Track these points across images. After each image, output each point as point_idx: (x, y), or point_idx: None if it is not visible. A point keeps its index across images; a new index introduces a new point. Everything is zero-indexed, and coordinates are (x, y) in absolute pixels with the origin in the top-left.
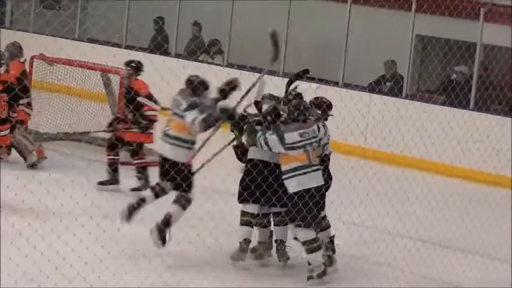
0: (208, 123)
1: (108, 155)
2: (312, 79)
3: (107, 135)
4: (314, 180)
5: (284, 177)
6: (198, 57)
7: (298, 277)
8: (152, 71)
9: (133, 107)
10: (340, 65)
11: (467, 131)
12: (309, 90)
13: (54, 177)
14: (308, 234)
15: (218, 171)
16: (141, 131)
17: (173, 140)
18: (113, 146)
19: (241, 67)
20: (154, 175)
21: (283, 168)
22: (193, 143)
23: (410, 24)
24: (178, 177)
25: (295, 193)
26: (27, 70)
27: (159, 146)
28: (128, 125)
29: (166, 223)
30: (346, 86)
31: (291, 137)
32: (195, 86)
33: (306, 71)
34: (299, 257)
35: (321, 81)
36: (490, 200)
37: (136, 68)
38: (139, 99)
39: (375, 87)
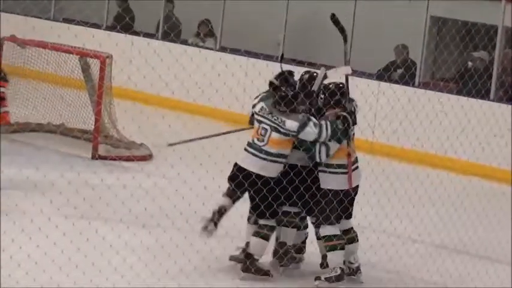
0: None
1: None
2: (313, 65)
3: (85, 126)
4: (355, 180)
5: (330, 170)
6: (185, 40)
7: (297, 282)
8: (136, 54)
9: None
10: (348, 55)
11: (486, 123)
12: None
13: (25, 173)
14: (328, 229)
15: (209, 167)
16: None
17: (271, 157)
18: None
19: (235, 51)
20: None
21: (331, 161)
22: (286, 156)
23: (424, 5)
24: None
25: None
26: None
27: (244, 158)
28: None
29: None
30: (352, 72)
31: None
32: (291, 101)
33: (281, 56)
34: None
35: (324, 67)
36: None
37: None
38: None
39: (383, 75)
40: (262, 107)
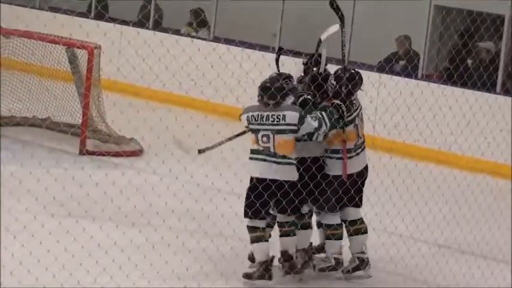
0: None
1: None
2: (311, 55)
3: (72, 120)
4: (358, 164)
5: (334, 156)
6: (177, 30)
7: (295, 282)
8: (125, 45)
9: None
10: (345, 40)
11: (492, 117)
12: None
13: (9, 169)
14: (329, 218)
15: (202, 163)
16: None
17: (284, 159)
18: None
19: (229, 41)
20: None
21: (332, 147)
22: (294, 161)
23: None
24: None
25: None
26: None
27: (257, 167)
28: None
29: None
30: (352, 64)
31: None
32: (278, 94)
33: (280, 49)
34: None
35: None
36: None
37: None
38: None
39: (385, 66)
40: (248, 116)
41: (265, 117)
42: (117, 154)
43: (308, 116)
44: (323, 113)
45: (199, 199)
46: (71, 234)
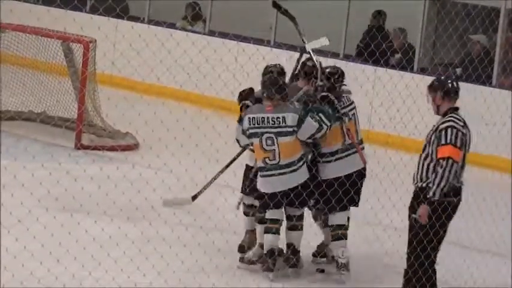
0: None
1: None
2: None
3: (67, 114)
4: (352, 165)
5: (323, 159)
6: (173, 23)
7: (291, 282)
8: (119, 38)
9: None
10: (341, 34)
11: (486, 111)
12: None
13: (3, 164)
14: (335, 218)
15: (197, 157)
16: None
17: (293, 166)
18: None
19: (224, 35)
20: None
21: (323, 150)
22: (304, 157)
23: None
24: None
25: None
26: None
27: (269, 183)
28: None
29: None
30: (347, 57)
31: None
32: (281, 91)
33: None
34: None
35: (318, 52)
36: None
37: None
38: None
39: (379, 59)
40: (250, 118)
41: (266, 119)
42: (112, 148)
43: (308, 117)
44: (319, 114)
45: (194, 193)
46: (66, 228)
